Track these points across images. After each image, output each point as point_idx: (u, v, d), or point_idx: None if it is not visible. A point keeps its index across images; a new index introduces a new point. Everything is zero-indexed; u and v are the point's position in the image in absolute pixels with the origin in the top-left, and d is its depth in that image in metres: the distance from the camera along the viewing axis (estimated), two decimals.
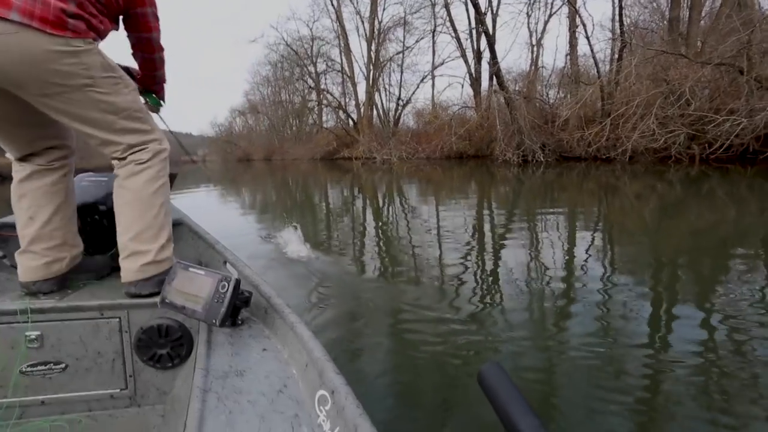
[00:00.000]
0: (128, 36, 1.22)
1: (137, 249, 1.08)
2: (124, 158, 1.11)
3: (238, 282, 0.93)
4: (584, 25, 15.38)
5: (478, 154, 18.92)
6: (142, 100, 1.22)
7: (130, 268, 1.08)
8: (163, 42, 1.30)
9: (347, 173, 14.87)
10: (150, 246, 1.09)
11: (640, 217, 4.63)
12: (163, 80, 1.39)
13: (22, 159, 1.13)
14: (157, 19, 1.23)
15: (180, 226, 1.50)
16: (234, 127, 50.19)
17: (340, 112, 31.10)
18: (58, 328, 1.02)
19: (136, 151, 1.11)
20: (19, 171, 1.13)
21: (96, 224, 1.29)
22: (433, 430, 1.30)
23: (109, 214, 1.17)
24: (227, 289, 0.91)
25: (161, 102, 1.45)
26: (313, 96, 33.19)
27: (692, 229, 3.91)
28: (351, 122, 29.97)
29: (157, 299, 1.03)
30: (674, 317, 2.00)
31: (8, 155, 1.15)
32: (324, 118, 33.89)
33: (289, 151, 33.61)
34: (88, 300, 1.05)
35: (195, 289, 0.94)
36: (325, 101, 31.99)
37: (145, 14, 1.18)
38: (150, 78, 1.34)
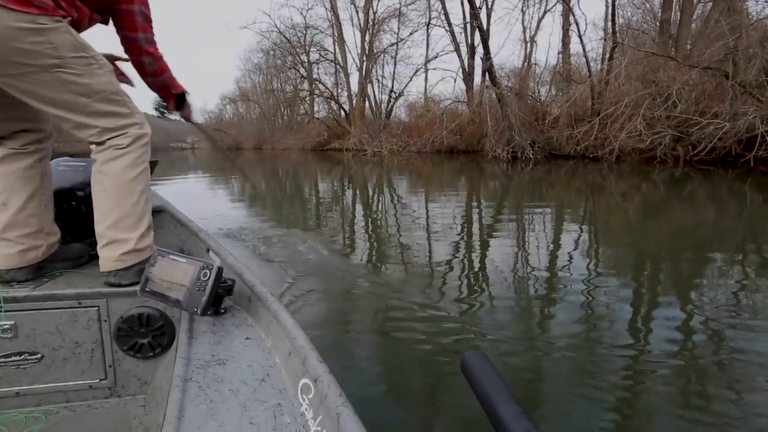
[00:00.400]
0: (117, 33, 1.18)
1: (116, 237, 1.05)
2: (102, 143, 1.06)
3: (220, 270, 0.91)
4: (577, 24, 15.50)
5: (468, 149, 19.00)
6: (115, 80, 1.13)
7: (108, 257, 1.05)
8: (161, 48, 1.23)
9: (338, 164, 14.84)
10: (130, 234, 1.06)
11: (624, 217, 4.75)
12: (159, 87, 1.30)
13: None
14: (146, 19, 1.17)
15: (162, 214, 1.47)
16: (224, 114, 49.53)
17: (332, 103, 30.89)
18: (33, 317, 0.99)
19: (115, 136, 1.06)
20: None
21: (73, 211, 1.25)
22: (418, 417, 1.32)
23: (87, 201, 1.13)
24: (209, 277, 0.89)
25: (163, 110, 1.39)
26: (305, 85, 32.85)
27: (674, 229, 4.02)
28: (343, 113, 29.79)
29: (135, 288, 1.01)
30: (653, 314, 2.05)
31: None
32: (316, 108, 33.65)
33: (280, 140, 33.30)
34: (65, 288, 1.03)
35: (176, 277, 0.93)
36: (317, 91, 31.69)
37: (131, 12, 1.13)
38: (147, 82, 1.27)
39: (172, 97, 1.35)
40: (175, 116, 1.45)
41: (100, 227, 1.06)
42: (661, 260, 2.98)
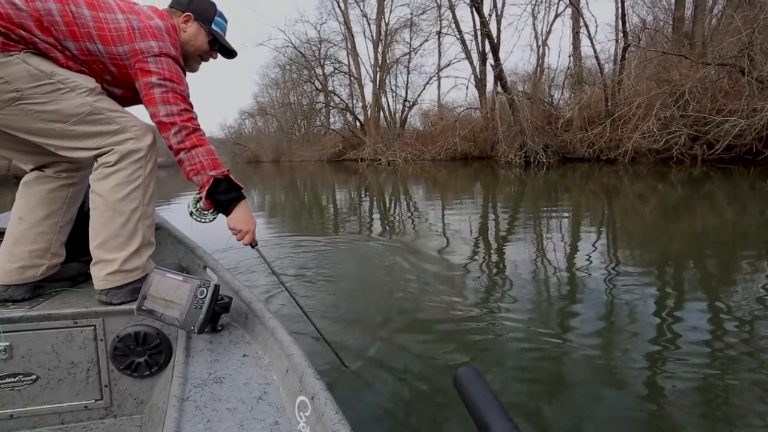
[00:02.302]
0: None
1: (102, 257, 1.04)
2: (96, 162, 1.06)
3: (217, 287, 0.90)
4: (587, 26, 15.50)
5: (483, 155, 19.08)
6: (97, 98, 1.04)
7: (97, 276, 1.05)
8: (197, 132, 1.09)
9: (353, 174, 15.06)
10: (115, 255, 1.04)
11: (643, 219, 4.64)
12: (193, 167, 1.08)
13: (34, 169, 1.14)
14: (169, 90, 1.06)
15: (159, 231, 1.44)
16: (243, 129, 50.89)
17: (347, 114, 31.48)
18: (28, 337, 0.98)
19: (103, 154, 1.05)
20: (27, 176, 1.14)
21: (73, 228, 1.22)
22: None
23: (86, 219, 1.10)
24: (206, 295, 0.88)
25: (197, 211, 1.19)
26: (321, 98, 33.59)
27: (694, 231, 3.94)
28: (358, 124, 30.32)
29: (131, 306, 1.00)
30: (677, 319, 2.00)
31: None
32: (332, 120, 34.34)
33: (297, 152, 34.02)
34: (61, 308, 1.01)
35: (173, 295, 0.91)
36: (332, 103, 32.36)
37: (147, 85, 1.05)
38: (183, 166, 1.10)
39: (207, 182, 1.09)
40: (210, 218, 1.20)
41: (91, 246, 1.06)
42: (682, 262, 2.92)
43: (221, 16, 1.27)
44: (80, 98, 1.01)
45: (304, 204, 7.73)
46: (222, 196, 1.12)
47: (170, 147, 1.08)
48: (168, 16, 1.17)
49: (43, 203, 1.10)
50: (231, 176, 1.13)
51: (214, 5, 1.26)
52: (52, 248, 1.12)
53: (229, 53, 1.33)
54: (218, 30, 1.25)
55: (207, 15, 1.23)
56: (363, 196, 8.47)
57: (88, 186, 1.15)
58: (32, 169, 1.13)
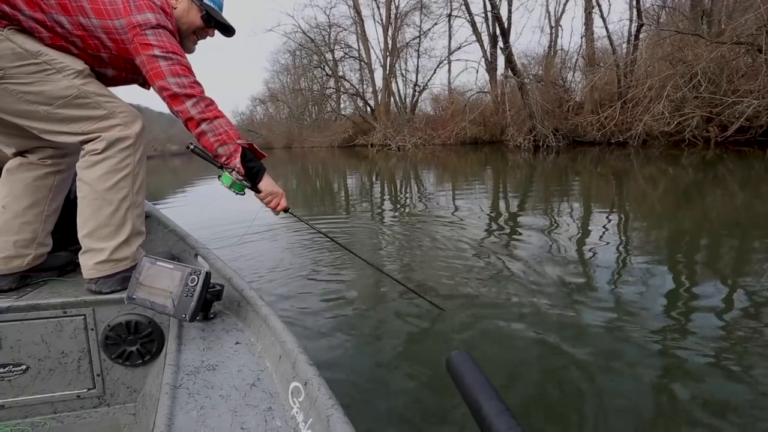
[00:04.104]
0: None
1: (91, 246, 1.03)
2: (82, 149, 1.03)
3: (208, 275, 0.90)
4: (599, 6, 15.13)
5: (493, 139, 19.00)
6: (85, 81, 1.01)
7: (86, 265, 1.03)
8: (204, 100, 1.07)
9: (364, 160, 15.12)
10: (105, 244, 1.03)
11: (658, 203, 4.54)
12: (218, 137, 1.09)
13: (17, 154, 1.10)
14: (176, 63, 1.04)
15: (148, 219, 1.42)
16: (255, 115, 51.18)
17: (358, 99, 31.43)
18: (17, 328, 0.97)
19: (89, 140, 1.01)
20: (10, 162, 1.10)
21: (60, 216, 1.19)
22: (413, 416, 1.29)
23: (74, 206, 1.09)
24: (197, 283, 0.88)
25: (237, 182, 1.15)
26: (331, 83, 33.53)
27: (706, 215, 3.85)
28: (368, 109, 30.27)
29: (122, 295, 0.99)
30: (692, 308, 1.92)
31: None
32: (342, 105, 34.32)
33: (308, 138, 34.20)
34: (50, 298, 1.01)
35: (164, 283, 0.91)
36: (342, 88, 32.28)
37: (151, 59, 1.03)
38: (202, 136, 1.09)
39: (236, 151, 1.11)
40: (247, 185, 1.18)
41: (79, 235, 1.04)
42: (694, 247, 2.84)
43: None
44: (67, 80, 0.98)
45: (339, 194, 7.88)
46: (253, 164, 1.15)
47: (189, 118, 1.06)
48: None
49: (27, 192, 1.07)
50: (255, 146, 1.17)
51: None
52: (38, 238, 1.09)
53: (227, 29, 1.28)
54: (211, 4, 1.21)
55: None
56: (374, 181, 8.61)
57: (75, 174, 1.11)
58: (15, 154, 1.09)
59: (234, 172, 1.13)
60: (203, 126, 1.07)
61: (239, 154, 1.11)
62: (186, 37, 1.21)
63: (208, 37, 1.28)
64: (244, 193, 1.19)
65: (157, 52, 1.02)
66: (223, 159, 1.12)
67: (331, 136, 31.14)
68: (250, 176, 1.16)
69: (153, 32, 1.02)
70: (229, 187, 1.15)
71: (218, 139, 1.09)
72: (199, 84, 1.08)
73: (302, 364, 0.69)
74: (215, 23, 1.24)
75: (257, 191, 1.21)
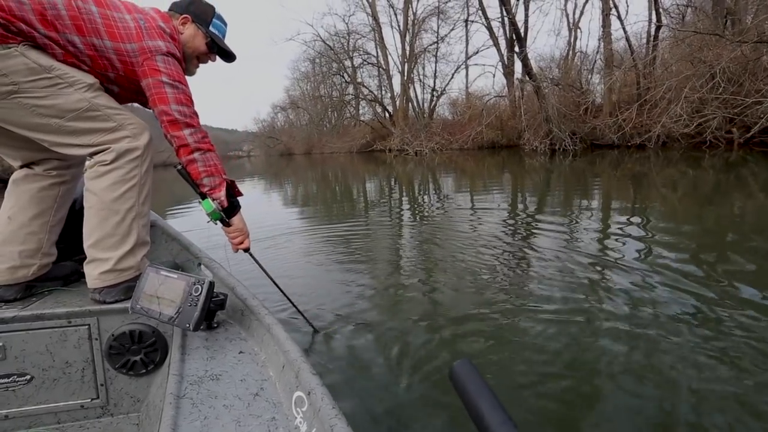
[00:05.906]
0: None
1: (96, 256, 1.04)
2: (91, 160, 1.06)
3: (211, 284, 0.91)
4: (617, 8, 15.03)
5: (510, 143, 19.00)
6: (95, 95, 1.04)
7: (90, 275, 1.04)
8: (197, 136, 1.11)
9: (382, 165, 15.27)
10: (110, 254, 1.04)
11: (684, 206, 4.44)
12: (208, 168, 1.14)
13: (23, 166, 1.12)
14: (181, 92, 1.10)
15: (152, 228, 1.43)
16: (276, 122, 52.29)
17: (377, 105, 31.86)
18: (22, 338, 0.97)
19: (99, 152, 1.04)
20: (16, 173, 1.12)
21: (65, 227, 1.20)
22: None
23: (79, 217, 1.10)
24: (200, 292, 0.89)
25: (216, 212, 1.18)
26: (350, 90, 34.10)
27: (730, 217, 3.76)
28: (387, 115, 30.65)
29: (126, 304, 1.00)
30: (716, 317, 1.82)
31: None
32: (361, 111, 34.86)
33: (328, 144, 34.79)
34: (54, 307, 1.01)
35: (167, 293, 0.91)
36: (361, 94, 32.79)
37: (157, 84, 1.07)
38: (192, 166, 1.14)
39: (221, 185, 1.17)
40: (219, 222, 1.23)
41: (85, 244, 1.05)
42: (718, 254, 2.69)
43: (220, 18, 1.29)
44: (78, 94, 1.01)
45: (353, 198, 8.04)
46: (233, 200, 1.21)
47: (184, 145, 1.10)
48: (169, 19, 1.19)
49: (33, 202, 1.09)
50: (235, 183, 1.23)
51: (212, 8, 1.28)
52: (43, 248, 1.11)
53: (228, 56, 1.34)
54: (216, 32, 1.27)
55: (205, 17, 1.26)
56: (393, 185, 8.79)
57: (81, 184, 1.14)
58: (21, 166, 1.12)
59: (215, 201, 1.18)
60: (196, 155, 1.12)
61: (224, 188, 1.18)
62: (189, 61, 1.28)
63: (209, 62, 1.35)
64: (216, 223, 1.23)
65: (165, 78, 1.07)
66: (206, 189, 1.17)
67: (350, 142, 31.63)
68: (227, 210, 1.22)
69: (163, 59, 1.09)
70: (208, 214, 1.20)
71: (207, 170, 1.15)
72: (197, 115, 1.15)
73: (305, 374, 0.69)
74: (218, 49, 1.31)
75: (228, 225, 1.25)
